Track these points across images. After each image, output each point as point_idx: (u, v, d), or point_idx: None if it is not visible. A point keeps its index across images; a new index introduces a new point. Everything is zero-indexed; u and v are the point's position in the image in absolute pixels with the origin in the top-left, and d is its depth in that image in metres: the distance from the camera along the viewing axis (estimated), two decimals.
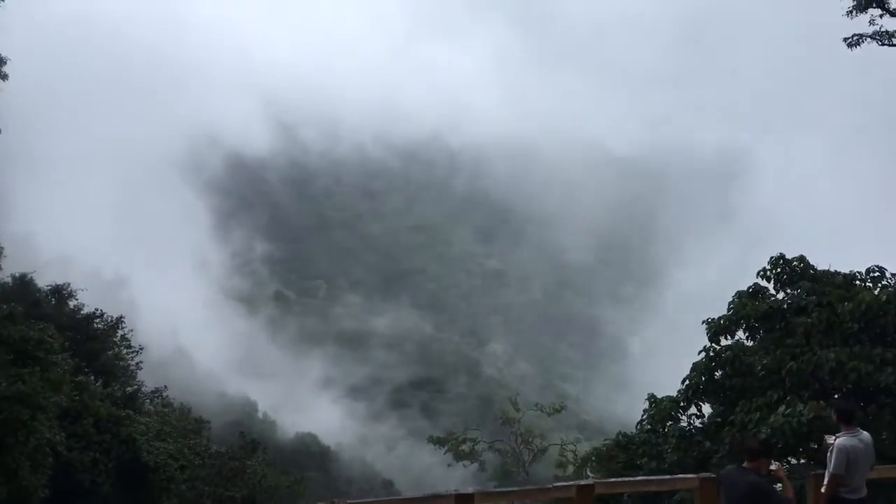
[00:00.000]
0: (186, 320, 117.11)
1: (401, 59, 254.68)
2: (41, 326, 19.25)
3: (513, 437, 32.48)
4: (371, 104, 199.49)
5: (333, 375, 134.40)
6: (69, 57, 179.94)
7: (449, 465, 33.19)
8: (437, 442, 33.72)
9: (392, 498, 11.27)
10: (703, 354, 19.81)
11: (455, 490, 8.21)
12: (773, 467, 8.00)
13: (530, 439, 32.57)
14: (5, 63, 23.16)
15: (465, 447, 32.84)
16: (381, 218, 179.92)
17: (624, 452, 21.37)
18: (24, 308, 20.15)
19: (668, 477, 9.56)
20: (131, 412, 24.09)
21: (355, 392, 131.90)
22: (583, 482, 8.05)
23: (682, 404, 20.22)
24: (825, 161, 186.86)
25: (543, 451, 32.64)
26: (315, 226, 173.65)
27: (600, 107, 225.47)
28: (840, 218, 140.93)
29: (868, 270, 18.05)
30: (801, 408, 15.34)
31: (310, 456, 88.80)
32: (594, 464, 30.22)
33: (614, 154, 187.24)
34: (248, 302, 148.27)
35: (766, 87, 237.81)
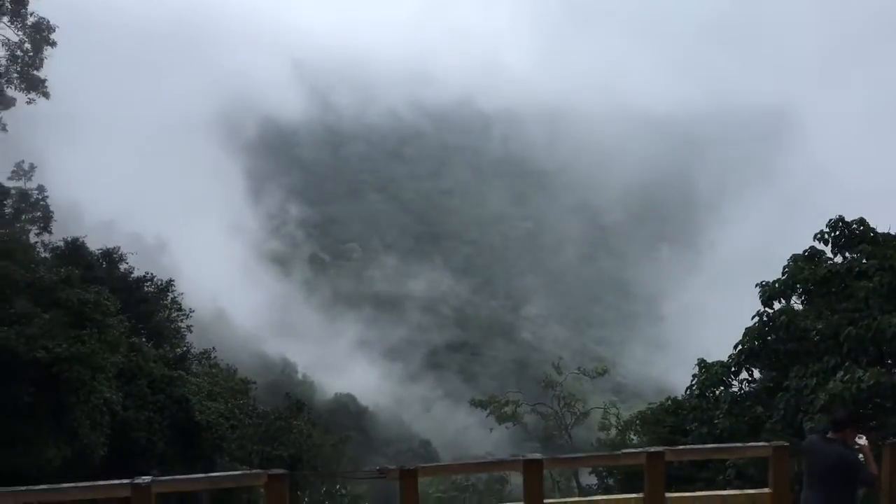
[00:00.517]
0: (225, 283, 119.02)
1: (433, 21, 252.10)
2: (97, 289, 19.63)
3: (555, 401, 32.50)
4: (403, 68, 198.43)
5: (369, 337, 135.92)
6: (102, 19, 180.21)
7: (491, 429, 33.32)
8: (479, 405, 33.89)
9: (462, 462, 11.28)
10: (755, 319, 19.54)
11: (523, 455, 8.18)
12: (861, 441, 7.72)
13: (572, 403, 32.54)
14: (54, 31, 23.40)
15: (507, 409, 32.95)
16: (415, 181, 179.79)
17: (673, 417, 21.34)
18: (79, 272, 20.52)
19: (739, 445, 9.40)
20: (183, 373, 24.56)
21: (391, 354, 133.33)
22: (652, 449, 7.96)
23: (732, 369, 20.05)
24: (872, 120, 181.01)
25: (586, 414, 32.64)
26: (348, 189, 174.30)
27: (638, 65, 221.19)
28: (886, 178, 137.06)
29: None
30: (861, 374, 15.07)
31: (348, 416, 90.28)
32: (638, 428, 30.28)
33: (652, 113, 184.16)
34: (284, 264, 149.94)
35: (814, 43, 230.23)
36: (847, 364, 15.79)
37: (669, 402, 26.64)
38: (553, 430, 33.60)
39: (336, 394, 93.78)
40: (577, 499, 8.49)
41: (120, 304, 21.17)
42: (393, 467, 8.17)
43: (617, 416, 32.22)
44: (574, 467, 11.41)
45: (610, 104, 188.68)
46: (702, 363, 20.51)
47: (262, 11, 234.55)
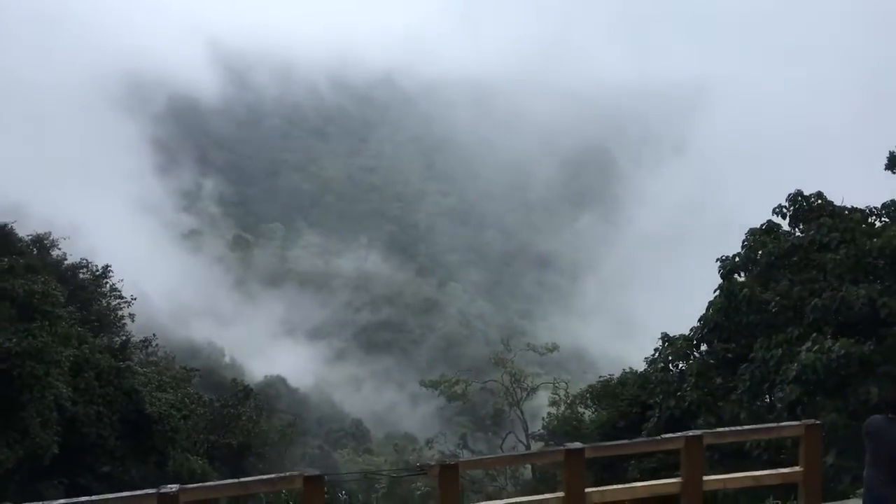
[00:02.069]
0: (143, 265, 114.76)
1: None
2: (44, 279, 18.44)
3: (505, 377, 32.70)
4: (324, 46, 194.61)
5: (296, 318, 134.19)
6: None
7: (441, 408, 33.35)
8: (431, 385, 33.82)
9: (502, 455, 10.98)
10: (716, 293, 20.01)
11: (564, 445, 8.03)
12: None
13: (521, 378, 32.80)
14: None
15: (457, 388, 32.98)
16: (337, 159, 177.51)
17: (638, 390, 21.70)
18: (22, 261, 19.22)
19: (773, 425, 9.37)
20: (131, 363, 23.50)
21: (319, 334, 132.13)
22: (691, 433, 7.91)
23: (695, 343, 20.51)
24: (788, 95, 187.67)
25: (535, 389, 32.97)
26: (269, 169, 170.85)
27: (561, 44, 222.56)
28: (805, 149, 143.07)
29: (884, 205, 18.22)
30: (831, 344, 15.56)
31: (279, 398, 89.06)
32: (589, 402, 30.79)
33: (574, 88, 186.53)
34: (204, 245, 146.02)
35: (733, 16, 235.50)
36: (814, 335, 16.27)
37: (629, 374, 27.25)
38: (502, 405, 33.80)
39: (266, 376, 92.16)
40: (617, 486, 8.35)
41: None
42: (433, 463, 7.89)
43: (565, 391, 32.63)
44: (615, 453, 11.24)
45: (533, 80, 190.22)
46: (665, 337, 20.92)
47: None
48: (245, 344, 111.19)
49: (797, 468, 8.50)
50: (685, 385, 18.98)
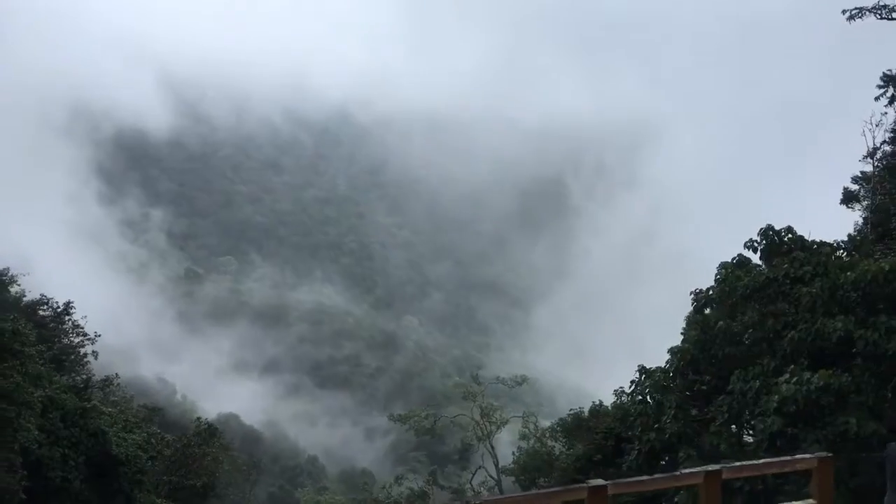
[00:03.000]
0: (92, 302, 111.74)
1: (309, 33, 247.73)
2: (13, 317, 17.82)
3: (476, 410, 32.55)
4: (279, 79, 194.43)
5: (249, 353, 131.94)
6: None
7: (395, 444, 32.96)
8: (399, 419, 33.46)
9: (526, 493, 10.99)
10: (690, 327, 20.30)
11: (587, 482, 8.04)
12: None
13: (491, 412, 32.68)
14: None
15: (426, 423, 32.71)
16: (292, 192, 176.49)
17: (618, 423, 21.75)
18: None
19: (787, 458, 9.49)
20: (97, 403, 22.77)
21: (272, 369, 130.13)
22: (710, 468, 8.00)
23: (671, 375, 20.70)
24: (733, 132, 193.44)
25: (505, 423, 32.87)
26: (222, 201, 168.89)
27: (515, 77, 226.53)
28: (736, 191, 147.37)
29: (851, 238, 18.78)
30: (809, 376, 15.86)
31: (233, 436, 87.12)
32: (559, 435, 30.80)
33: (526, 125, 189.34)
34: (156, 280, 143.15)
35: (688, 54, 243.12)
36: (792, 367, 16.57)
37: (601, 407, 27.36)
38: (471, 440, 33.57)
39: (219, 414, 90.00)
40: None
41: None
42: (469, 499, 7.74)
43: (535, 425, 32.60)
44: (637, 490, 11.23)
45: (487, 112, 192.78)
46: (642, 369, 21.04)
47: (125, 19, 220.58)
48: (196, 380, 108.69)
49: (810, 501, 8.63)
50: (664, 417, 19.10)
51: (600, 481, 8.00)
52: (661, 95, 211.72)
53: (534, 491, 8.54)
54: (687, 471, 8.23)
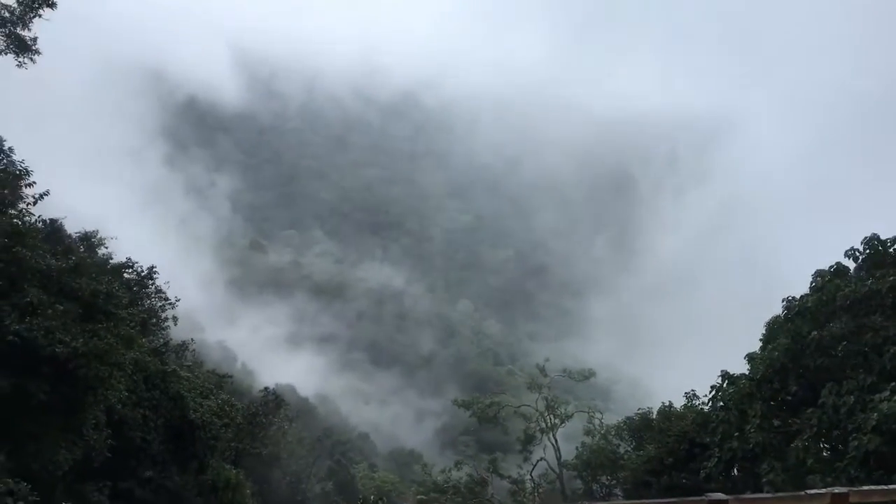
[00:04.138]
0: (164, 267, 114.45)
1: (382, 12, 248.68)
2: (108, 279, 18.24)
3: (541, 402, 32.29)
4: (350, 58, 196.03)
5: (306, 326, 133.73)
6: None
7: (473, 429, 32.84)
8: (463, 405, 33.38)
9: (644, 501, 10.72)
10: (781, 334, 19.63)
11: (707, 497, 7.70)
12: None
13: (555, 406, 32.35)
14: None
15: (489, 411, 32.57)
16: (357, 170, 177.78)
17: (697, 428, 21.27)
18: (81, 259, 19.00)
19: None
20: (177, 368, 23.23)
21: (328, 343, 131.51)
22: (836, 490, 7.61)
23: (754, 382, 20.07)
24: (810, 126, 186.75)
25: (569, 416, 32.50)
26: (289, 176, 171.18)
27: (577, 66, 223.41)
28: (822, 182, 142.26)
29: None
30: None
31: (288, 408, 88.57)
32: (625, 434, 30.31)
33: (596, 113, 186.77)
34: (220, 247, 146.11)
35: (768, 47, 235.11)
36: (892, 385, 15.88)
37: (670, 410, 26.81)
38: (533, 431, 33.29)
39: (276, 384, 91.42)
40: None
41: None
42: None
43: (600, 421, 32.17)
44: None
45: (556, 99, 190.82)
46: (726, 375, 20.50)
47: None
48: (254, 349, 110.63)
49: None
50: (748, 426, 18.56)
51: (721, 496, 7.68)
52: (740, 87, 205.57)
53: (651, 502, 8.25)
54: (813, 491, 7.86)
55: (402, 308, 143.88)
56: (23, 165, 16.33)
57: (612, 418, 33.30)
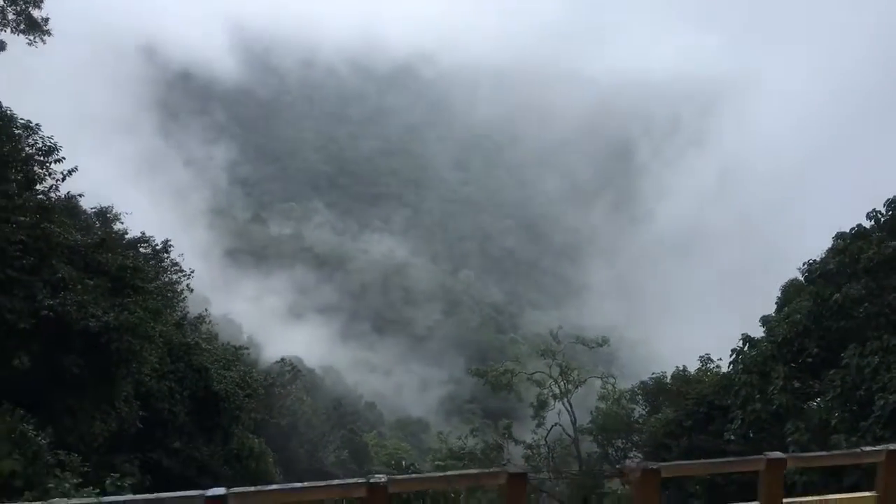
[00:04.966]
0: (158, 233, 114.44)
1: None
2: (132, 254, 18.34)
3: (555, 369, 32.48)
4: (347, 30, 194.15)
5: (309, 298, 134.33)
6: None
7: (478, 397, 33.14)
8: (477, 374, 33.67)
9: (703, 462, 10.96)
10: (802, 296, 19.79)
11: (765, 455, 7.79)
12: None
13: (568, 371, 32.55)
14: None
15: (503, 378, 32.81)
16: (356, 142, 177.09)
17: (720, 391, 21.49)
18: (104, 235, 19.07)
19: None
20: (199, 340, 23.42)
21: (330, 314, 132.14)
22: (892, 447, 7.71)
23: (776, 344, 20.25)
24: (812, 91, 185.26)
25: (583, 382, 32.72)
26: (288, 149, 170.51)
27: (578, 33, 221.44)
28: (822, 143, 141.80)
29: None
30: None
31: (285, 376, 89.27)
32: (640, 398, 30.63)
33: (597, 81, 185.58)
34: (220, 221, 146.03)
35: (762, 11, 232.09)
36: None
37: (684, 373, 27.09)
38: (546, 397, 33.53)
39: (283, 356, 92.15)
40: (811, 498, 8.16)
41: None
42: (634, 465, 7.65)
43: (613, 386, 32.43)
44: (818, 465, 10.86)
45: (555, 70, 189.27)
46: (746, 338, 20.69)
47: None
48: (257, 321, 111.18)
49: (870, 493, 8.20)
50: (771, 388, 18.76)
51: (779, 454, 7.79)
52: (742, 51, 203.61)
53: (712, 461, 8.29)
54: (868, 448, 7.97)
55: (404, 278, 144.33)
56: (51, 141, 16.34)
57: (619, 384, 33.62)
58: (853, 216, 19.66)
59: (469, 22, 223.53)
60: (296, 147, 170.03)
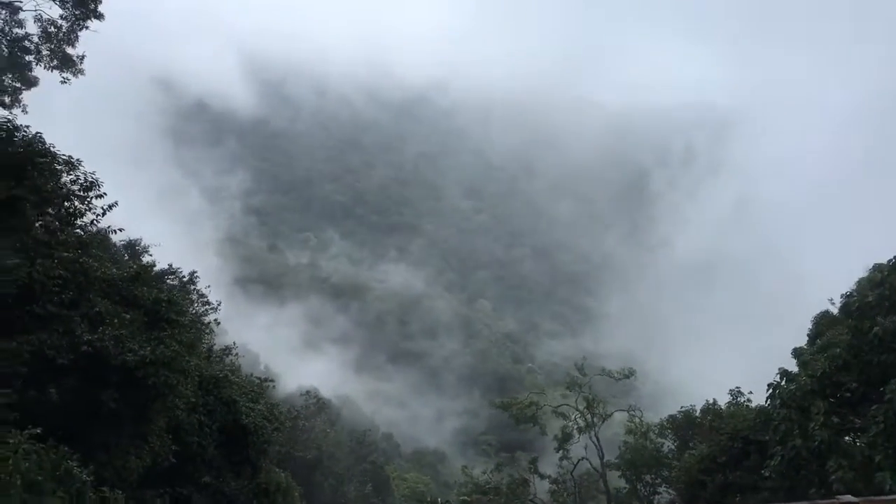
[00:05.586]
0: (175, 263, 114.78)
1: (391, 13, 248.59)
2: (168, 287, 18.33)
3: (581, 402, 32.18)
4: (361, 60, 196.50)
5: (324, 328, 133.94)
6: None
7: (493, 429, 32.72)
8: (501, 406, 33.36)
9: None
10: (845, 331, 19.47)
11: (838, 499, 7.59)
12: None
13: (595, 404, 32.24)
14: (100, 1, 21.73)
15: (528, 411, 32.51)
16: (371, 172, 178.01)
17: (759, 426, 21.10)
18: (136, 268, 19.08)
19: None
20: (228, 373, 23.30)
21: (346, 345, 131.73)
22: None
23: (817, 379, 19.88)
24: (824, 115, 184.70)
25: (609, 415, 32.39)
26: (304, 178, 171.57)
27: (593, 62, 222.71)
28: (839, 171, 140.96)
29: None
30: None
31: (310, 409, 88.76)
32: (668, 432, 30.16)
33: (610, 109, 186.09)
34: (238, 251, 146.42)
35: (779, 39, 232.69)
36: None
37: (714, 407, 26.70)
38: (571, 430, 33.19)
39: (299, 386, 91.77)
40: None
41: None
42: None
43: (640, 419, 32.05)
44: None
45: (569, 95, 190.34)
46: (784, 373, 20.33)
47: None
48: (273, 351, 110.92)
49: None
50: (812, 424, 18.38)
51: (851, 498, 7.59)
52: (755, 79, 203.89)
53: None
54: None
55: (420, 308, 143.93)
56: (93, 176, 16.44)
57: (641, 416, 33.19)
58: (876, 243, 19.42)
59: (480, 50, 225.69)
60: (310, 176, 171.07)
